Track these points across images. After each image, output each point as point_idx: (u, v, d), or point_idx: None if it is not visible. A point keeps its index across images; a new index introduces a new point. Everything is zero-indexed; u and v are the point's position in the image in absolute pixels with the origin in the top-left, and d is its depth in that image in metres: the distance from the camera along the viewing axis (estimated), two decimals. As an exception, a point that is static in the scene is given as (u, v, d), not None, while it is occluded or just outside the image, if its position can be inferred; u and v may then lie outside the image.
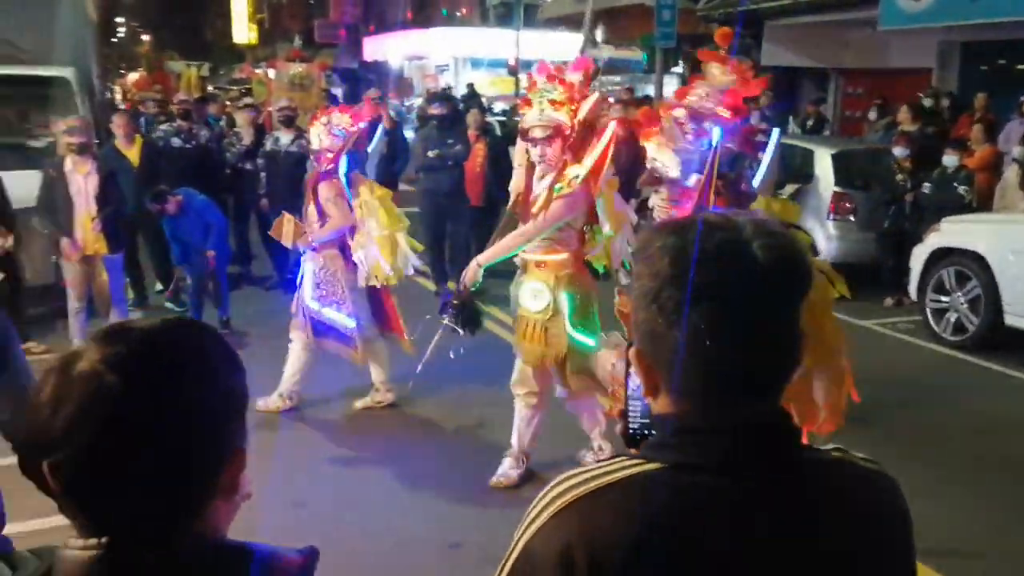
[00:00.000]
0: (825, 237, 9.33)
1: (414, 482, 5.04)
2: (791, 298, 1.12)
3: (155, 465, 1.02)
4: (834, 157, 9.73)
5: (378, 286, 5.89)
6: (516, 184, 4.98)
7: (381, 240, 5.73)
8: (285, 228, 6.05)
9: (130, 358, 1.03)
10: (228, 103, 12.38)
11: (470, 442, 5.68)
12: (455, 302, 4.82)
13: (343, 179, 5.88)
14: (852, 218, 9.44)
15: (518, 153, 5.01)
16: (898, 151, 9.08)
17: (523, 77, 23.75)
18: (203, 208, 7.55)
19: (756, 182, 3.59)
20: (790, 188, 9.71)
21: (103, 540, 1.03)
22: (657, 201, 4.14)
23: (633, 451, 1.26)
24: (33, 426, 1.04)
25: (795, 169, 9.77)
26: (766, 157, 3.29)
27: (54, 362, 1.06)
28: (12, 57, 9.50)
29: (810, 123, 13.66)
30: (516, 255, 4.77)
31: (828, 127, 14.44)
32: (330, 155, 5.81)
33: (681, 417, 1.14)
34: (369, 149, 8.06)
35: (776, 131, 3.64)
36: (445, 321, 4.79)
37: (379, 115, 9.98)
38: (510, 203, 5.01)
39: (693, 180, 3.24)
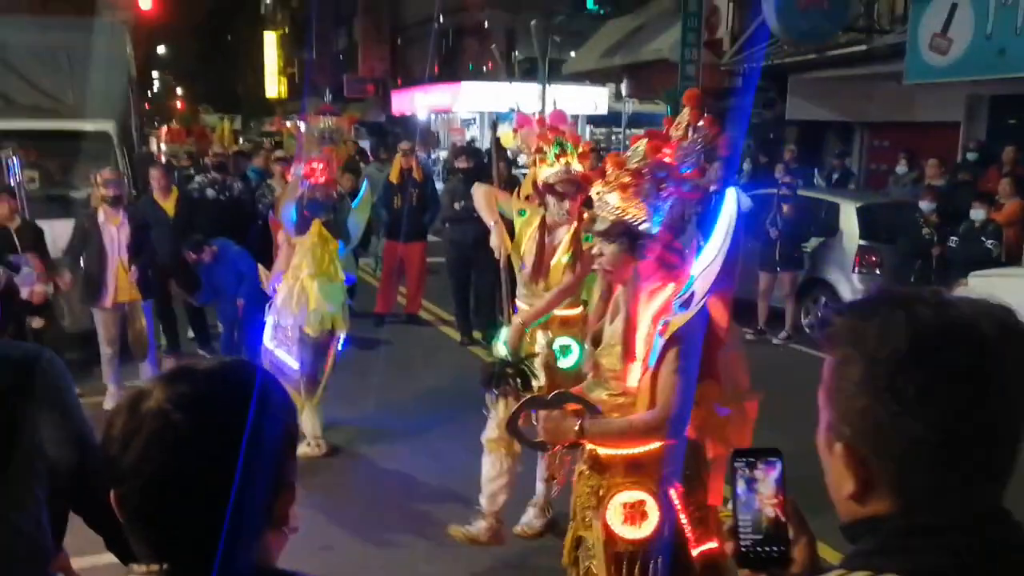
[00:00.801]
0: (851, 290, 9.33)
1: (440, 525, 5.06)
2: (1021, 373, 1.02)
3: (215, 497, 1.09)
4: (859, 211, 9.77)
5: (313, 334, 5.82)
6: (501, 241, 4.77)
7: (305, 283, 5.78)
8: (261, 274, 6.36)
9: (194, 397, 1.12)
10: (269, 155, 12.63)
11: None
12: (509, 370, 4.29)
13: (288, 224, 5.98)
14: (878, 271, 9.45)
15: (492, 207, 4.89)
16: (924, 205, 9.12)
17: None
18: (237, 258, 7.71)
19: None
20: (814, 241, 9.75)
21: (164, 567, 1.11)
22: None
23: (746, 572, 1.18)
24: (104, 459, 1.13)
25: (820, 222, 9.81)
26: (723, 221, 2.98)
27: (123, 401, 1.15)
28: (56, 112, 9.82)
29: (835, 176, 13.71)
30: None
31: (853, 180, 14.49)
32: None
33: (906, 517, 1.02)
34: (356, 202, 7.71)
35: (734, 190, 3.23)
36: (496, 392, 4.37)
37: (409, 167, 10.17)
38: (502, 260, 4.82)
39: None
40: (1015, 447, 1.02)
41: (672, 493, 2.90)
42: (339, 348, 6.05)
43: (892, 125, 15.58)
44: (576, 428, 2.89)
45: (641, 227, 2.82)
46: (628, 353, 2.91)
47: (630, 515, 2.95)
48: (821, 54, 14.33)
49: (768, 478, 1.19)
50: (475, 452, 6.13)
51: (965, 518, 1.00)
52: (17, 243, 6.90)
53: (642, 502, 2.95)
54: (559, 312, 4.65)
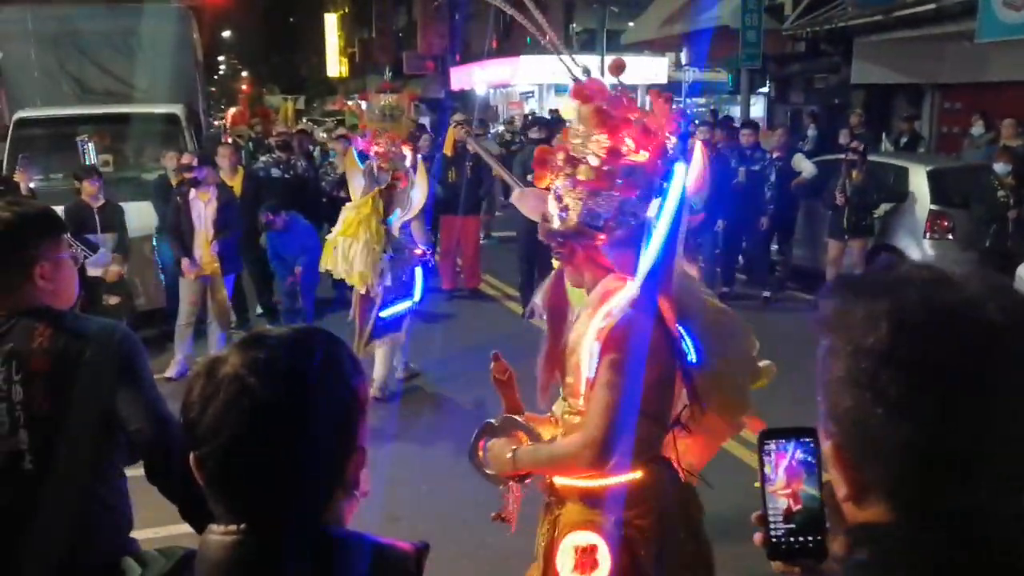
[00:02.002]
0: (921, 256, 9.11)
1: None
2: None
3: (290, 459, 1.14)
4: (930, 174, 9.51)
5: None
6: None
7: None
8: None
9: (267, 362, 1.16)
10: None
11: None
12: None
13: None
14: (950, 237, 9.20)
15: None
16: (999, 167, 8.82)
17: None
18: (305, 232, 8.05)
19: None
20: (884, 208, 9.53)
21: (242, 526, 1.15)
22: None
23: (778, 564, 1.11)
24: (183, 423, 1.18)
25: (888, 188, 9.58)
26: (671, 197, 2.65)
27: (199, 367, 1.20)
28: (129, 96, 10.11)
29: (904, 141, 13.35)
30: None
31: (923, 144, 14.09)
32: None
33: (904, 526, 0.92)
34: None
35: (680, 165, 2.97)
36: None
37: (463, 140, 10.26)
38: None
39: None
40: (1018, 454, 0.89)
41: (635, 538, 2.44)
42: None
43: (964, 86, 15.08)
44: (509, 457, 2.51)
45: (601, 223, 2.36)
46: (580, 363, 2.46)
47: (581, 562, 2.44)
48: (888, 15, 13.93)
49: (801, 461, 1.09)
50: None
51: (968, 531, 0.89)
52: (98, 222, 7.19)
53: (594, 547, 2.43)
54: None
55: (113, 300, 7.08)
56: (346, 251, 6.41)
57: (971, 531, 0.89)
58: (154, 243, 8.17)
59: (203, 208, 7.38)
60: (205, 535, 1.18)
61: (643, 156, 2.37)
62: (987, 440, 0.87)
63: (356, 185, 6.68)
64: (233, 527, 1.15)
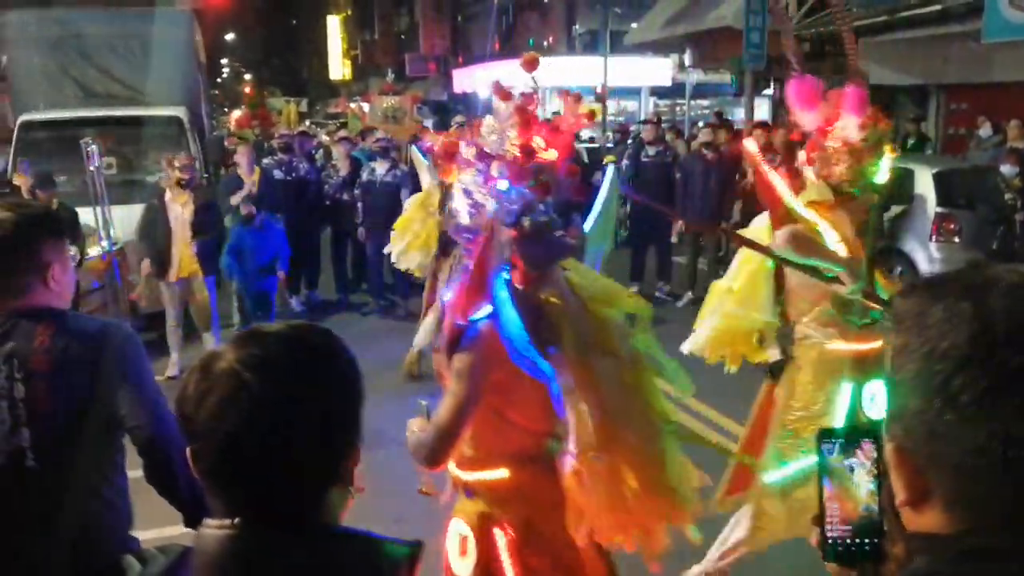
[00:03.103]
0: (928, 259, 9.07)
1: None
2: None
3: (285, 455, 1.15)
4: (936, 176, 9.46)
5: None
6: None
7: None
8: None
9: (264, 358, 1.17)
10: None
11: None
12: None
13: None
14: (957, 239, 9.15)
15: None
16: (1006, 169, 8.79)
17: (611, 103, 23.90)
18: (279, 236, 8.11)
19: (587, 226, 2.99)
20: (895, 209, 9.47)
21: (236, 521, 1.15)
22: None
23: (832, 567, 1.08)
24: (179, 417, 1.18)
25: (894, 190, 9.52)
26: (600, 198, 2.74)
27: (197, 362, 1.20)
28: (131, 100, 10.13)
29: (910, 142, 13.31)
30: None
31: (929, 145, 14.05)
32: None
33: (968, 537, 0.89)
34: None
35: (611, 168, 3.00)
36: None
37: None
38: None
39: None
40: None
41: (497, 535, 2.52)
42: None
43: (970, 87, 15.05)
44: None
45: (512, 220, 2.40)
46: None
47: (461, 547, 2.60)
48: (893, 15, 13.90)
49: (861, 461, 1.07)
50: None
51: None
52: None
53: (464, 537, 2.58)
54: (854, 346, 3.51)
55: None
56: (406, 241, 6.92)
57: None
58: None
59: (180, 211, 7.43)
60: (201, 529, 1.19)
61: (552, 155, 2.44)
62: None
63: (424, 181, 7.20)
64: (227, 522, 1.16)
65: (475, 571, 2.56)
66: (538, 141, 2.45)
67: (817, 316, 3.45)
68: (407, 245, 6.96)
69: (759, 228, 3.93)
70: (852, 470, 1.07)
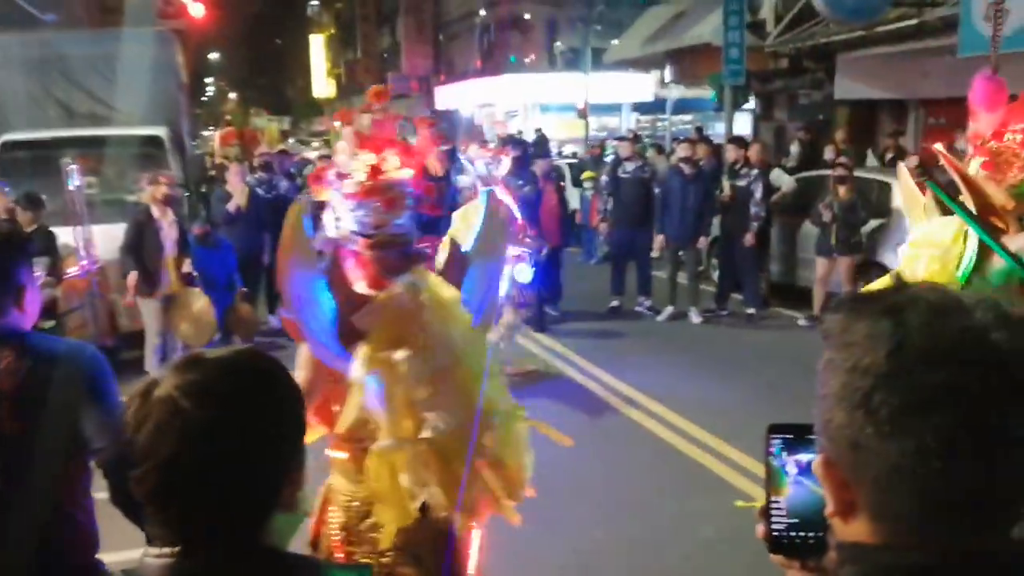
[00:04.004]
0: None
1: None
2: None
3: (222, 481, 1.15)
4: (914, 189, 9.53)
5: None
6: None
7: None
8: None
9: (202, 385, 1.17)
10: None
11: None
12: None
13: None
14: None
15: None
16: (982, 181, 8.87)
17: (592, 120, 24.03)
18: (229, 251, 8.36)
19: (468, 246, 3.11)
20: (874, 223, 9.55)
21: (175, 549, 1.15)
22: None
23: (778, 558, 1.11)
24: (126, 443, 1.18)
25: (873, 204, 9.61)
26: (478, 217, 2.96)
27: (138, 387, 1.21)
28: (112, 119, 10.14)
29: (889, 156, 13.43)
30: None
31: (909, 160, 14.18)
32: None
33: (889, 551, 0.91)
34: None
35: (484, 192, 3.10)
36: None
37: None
38: None
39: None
40: (1014, 488, 0.88)
41: (331, 512, 2.86)
42: None
43: (948, 101, 15.18)
44: None
45: (367, 231, 2.65)
46: None
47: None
48: (870, 31, 14.04)
49: (806, 457, 1.08)
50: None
51: (955, 559, 0.88)
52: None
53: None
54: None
55: (47, 324, 7.05)
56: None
57: (963, 558, 0.88)
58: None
59: (167, 229, 7.48)
60: (142, 558, 1.18)
61: (406, 173, 2.68)
62: (977, 467, 0.86)
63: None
64: (167, 550, 1.16)
65: (311, 534, 2.81)
66: (392, 161, 2.67)
67: None
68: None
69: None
70: (797, 464, 1.10)
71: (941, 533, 0.88)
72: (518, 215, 7.69)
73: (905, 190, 3.87)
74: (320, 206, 2.80)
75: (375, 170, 2.64)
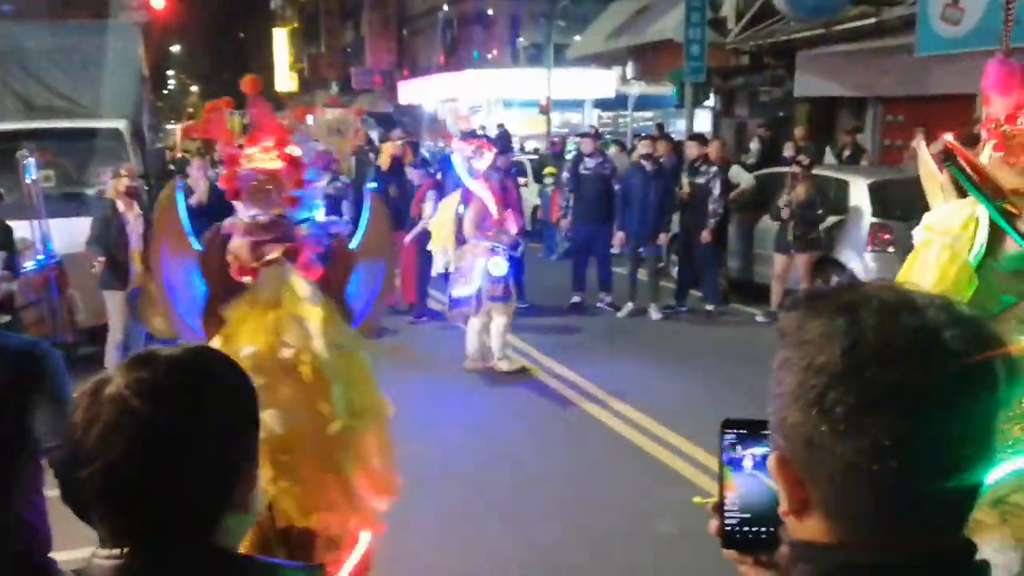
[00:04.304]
0: (863, 269, 9.27)
1: (452, 512, 5.13)
2: (993, 404, 0.90)
3: (172, 481, 1.13)
4: (871, 187, 9.67)
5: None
6: None
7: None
8: None
9: (152, 384, 1.15)
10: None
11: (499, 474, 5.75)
12: None
13: None
14: (891, 249, 9.36)
15: None
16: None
17: (555, 116, 24.07)
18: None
19: (354, 243, 3.13)
20: (831, 220, 9.68)
21: (125, 550, 1.14)
22: None
23: (731, 554, 1.12)
24: (70, 443, 1.17)
25: (831, 201, 9.72)
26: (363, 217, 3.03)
27: (88, 386, 1.19)
28: (71, 112, 9.99)
29: (847, 153, 13.60)
30: None
31: (866, 157, 14.37)
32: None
33: (843, 550, 0.92)
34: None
35: (367, 190, 3.10)
36: None
37: (401, 154, 10.61)
38: None
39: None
40: (978, 476, 0.90)
41: None
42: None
43: (906, 99, 15.42)
44: None
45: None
46: None
47: None
48: (829, 29, 14.21)
49: (759, 452, 1.09)
50: (489, 439, 6.31)
51: (908, 558, 0.89)
52: None
53: None
54: None
55: (2, 319, 6.94)
56: (438, 231, 8.18)
57: (914, 557, 0.89)
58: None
59: (133, 221, 7.41)
60: (90, 559, 1.16)
61: (276, 165, 2.79)
62: (932, 466, 0.87)
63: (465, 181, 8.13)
64: (116, 551, 1.14)
65: None
66: (266, 152, 2.79)
67: (1019, 313, 3.43)
68: (446, 243, 8.02)
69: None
70: (750, 459, 1.11)
71: (895, 532, 0.89)
72: (494, 210, 7.74)
73: (924, 167, 3.92)
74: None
75: (243, 160, 2.76)
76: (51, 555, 2.32)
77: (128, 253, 7.34)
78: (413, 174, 10.17)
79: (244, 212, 2.70)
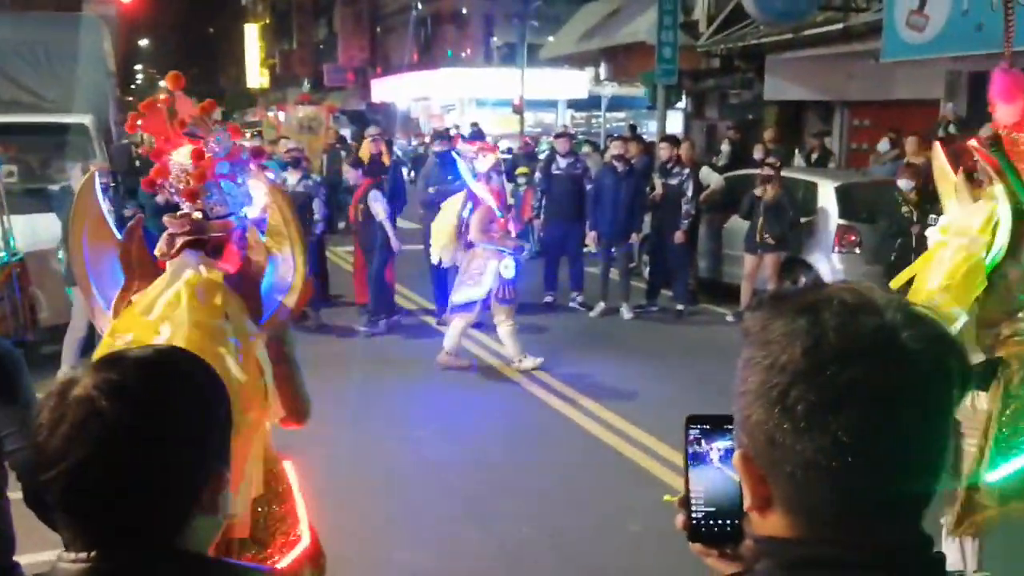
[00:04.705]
0: (831, 271, 9.37)
1: (416, 512, 5.12)
2: (948, 402, 0.92)
3: (138, 483, 1.12)
4: (838, 190, 9.80)
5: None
6: None
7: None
8: None
9: (121, 385, 1.14)
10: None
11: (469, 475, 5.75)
12: None
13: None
14: (858, 251, 9.49)
15: None
16: (903, 183, 9.12)
17: (528, 115, 24.11)
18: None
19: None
20: (803, 221, 9.77)
21: (91, 554, 1.12)
22: None
23: (697, 547, 1.13)
24: (35, 445, 1.15)
25: (799, 203, 9.83)
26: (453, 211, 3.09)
27: (55, 386, 1.17)
28: (36, 106, 9.83)
29: (815, 156, 13.75)
30: None
31: (833, 160, 14.54)
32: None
33: (804, 544, 0.94)
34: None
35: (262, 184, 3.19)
36: None
37: (379, 152, 10.38)
38: None
39: None
40: (934, 472, 0.93)
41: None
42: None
43: (872, 104, 15.63)
44: None
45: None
46: None
47: None
48: (798, 33, 14.35)
49: (723, 446, 1.11)
50: (461, 438, 6.28)
51: (867, 552, 0.91)
52: None
53: None
54: None
55: None
56: (438, 232, 8.15)
57: (873, 552, 0.91)
58: (59, 256, 7.91)
59: None
60: (55, 564, 1.14)
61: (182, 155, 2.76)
62: (890, 463, 0.89)
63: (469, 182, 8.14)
64: (83, 555, 1.12)
65: None
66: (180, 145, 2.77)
67: None
68: (446, 243, 8.00)
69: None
70: (715, 453, 1.12)
71: (854, 527, 0.91)
72: (498, 212, 7.74)
73: (937, 168, 3.96)
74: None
75: (158, 152, 2.77)
76: (15, 559, 2.28)
77: None
78: (350, 174, 9.55)
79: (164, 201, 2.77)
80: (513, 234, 8.06)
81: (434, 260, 8.48)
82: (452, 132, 15.18)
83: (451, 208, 8.08)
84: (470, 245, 7.77)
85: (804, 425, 0.89)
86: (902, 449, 0.89)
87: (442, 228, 8.13)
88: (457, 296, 7.84)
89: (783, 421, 0.90)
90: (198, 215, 2.71)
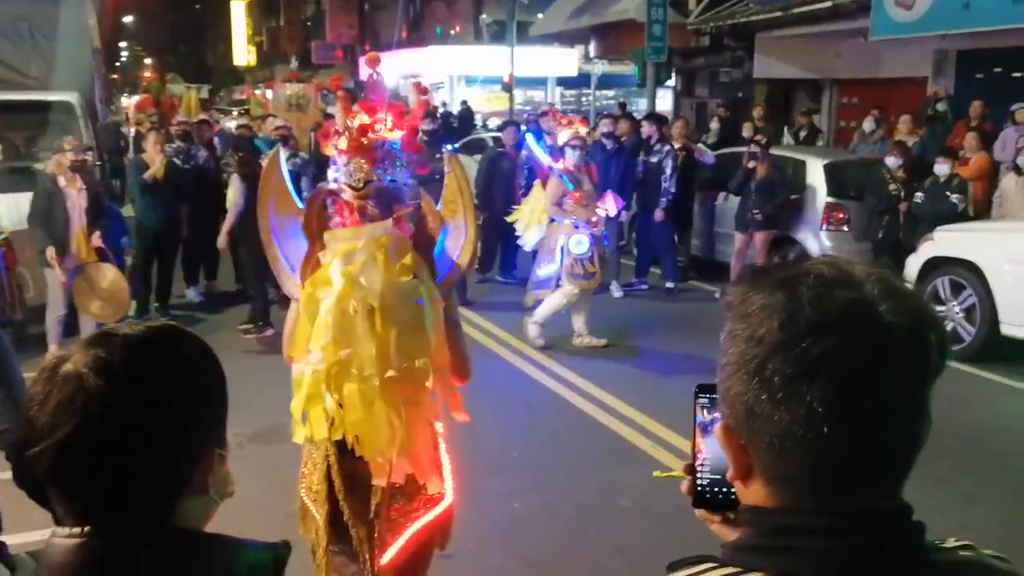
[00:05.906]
0: (819, 248, 9.41)
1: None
2: (925, 374, 0.94)
3: (127, 460, 1.12)
4: (826, 168, 9.83)
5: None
6: None
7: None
8: None
9: (110, 362, 1.13)
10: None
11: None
12: None
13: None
14: (846, 228, 9.53)
15: None
16: (891, 161, 9.17)
17: (518, 93, 24.02)
18: (119, 218, 8.18)
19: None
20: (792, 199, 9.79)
21: (85, 529, 1.12)
22: None
23: (701, 512, 1.17)
24: (23, 420, 1.15)
25: (787, 180, 9.85)
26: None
27: (46, 363, 1.17)
28: (20, 84, 9.75)
29: (803, 134, 13.76)
30: None
31: (822, 138, 14.55)
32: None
33: (784, 513, 0.96)
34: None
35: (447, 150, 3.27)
36: None
37: None
38: None
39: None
40: (911, 442, 0.95)
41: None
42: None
43: (860, 82, 15.64)
44: None
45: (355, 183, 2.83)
46: None
47: None
48: (787, 11, 14.35)
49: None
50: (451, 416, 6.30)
51: (845, 519, 0.92)
52: None
53: None
54: None
55: None
56: (528, 215, 8.42)
57: (851, 519, 0.93)
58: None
59: (75, 196, 7.24)
60: (50, 539, 1.15)
61: (395, 134, 2.87)
62: (862, 431, 0.91)
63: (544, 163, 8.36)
64: (77, 530, 1.13)
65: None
66: (385, 122, 2.86)
67: None
68: (528, 223, 8.28)
69: None
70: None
71: (831, 495, 0.93)
72: (569, 185, 7.69)
73: None
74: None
75: (363, 129, 2.81)
76: (2, 538, 2.28)
77: (68, 231, 7.18)
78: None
79: (351, 176, 2.79)
80: (612, 212, 8.16)
81: (525, 247, 8.78)
82: (545, 108, 15.04)
83: (539, 192, 8.27)
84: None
85: (781, 396, 0.91)
86: (878, 419, 0.91)
87: (531, 208, 8.35)
88: (541, 271, 7.93)
89: (761, 392, 0.92)
90: (379, 184, 2.82)
